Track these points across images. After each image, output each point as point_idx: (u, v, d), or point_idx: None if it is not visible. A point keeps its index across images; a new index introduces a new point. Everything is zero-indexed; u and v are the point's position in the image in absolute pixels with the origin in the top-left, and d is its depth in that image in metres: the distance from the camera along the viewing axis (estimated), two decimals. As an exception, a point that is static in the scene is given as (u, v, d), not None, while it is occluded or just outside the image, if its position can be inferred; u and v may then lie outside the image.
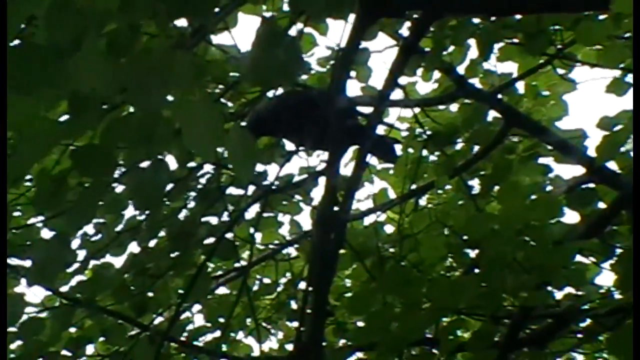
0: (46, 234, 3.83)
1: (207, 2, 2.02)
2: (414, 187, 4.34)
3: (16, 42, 1.92)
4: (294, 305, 4.69)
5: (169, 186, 3.85)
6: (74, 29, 1.88)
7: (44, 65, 1.90)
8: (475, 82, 4.31)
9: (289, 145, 3.92)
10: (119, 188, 3.38)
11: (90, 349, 4.14)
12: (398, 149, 4.14)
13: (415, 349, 3.62)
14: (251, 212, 4.24)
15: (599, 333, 3.68)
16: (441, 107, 4.50)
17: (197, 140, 2.00)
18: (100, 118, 2.13)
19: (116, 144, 2.19)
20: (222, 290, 4.58)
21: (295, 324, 4.25)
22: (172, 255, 3.81)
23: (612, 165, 3.79)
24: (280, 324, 4.85)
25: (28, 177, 3.49)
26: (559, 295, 3.36)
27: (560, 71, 4.31)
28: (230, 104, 4.23)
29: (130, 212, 3.81)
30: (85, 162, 2.22)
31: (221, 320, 4.41)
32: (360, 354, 3.97)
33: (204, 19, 2.09)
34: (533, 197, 3.61)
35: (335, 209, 3.23)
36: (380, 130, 3.78)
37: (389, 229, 4.52)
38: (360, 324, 3.40)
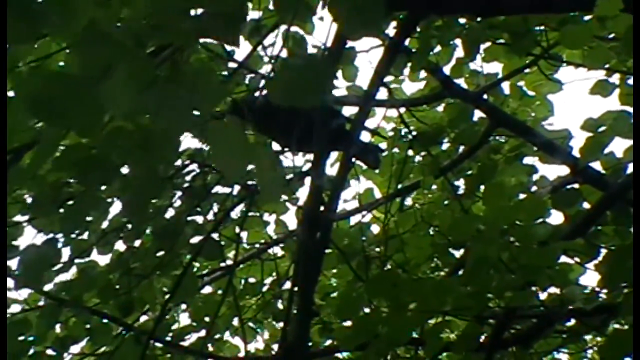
0: (30, 231, 3.82)
1: (236, 22, 2.05)
2: (399, 187, 4.35)
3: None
4: (279, 304, 4.69)
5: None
6: (105, 57, 1.90)
7: (78, 94, 1.92)
8: (461, 82, 4.32)
9: (275, 145, 3.92)
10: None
11: (75, 349, 4.14)
12: (383, 149, 4.16)
13: (401, 349, 3.63)
14: (237, 212, 4.23)
15: (583, 333, 3.70)
16: (427, 107, 4.50)
17: (227, 163, 2.06)
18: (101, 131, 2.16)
19: (114, 154, 2.21)
20: (207, 290, 4.58)
21: (281, 323, 4.24)
22: (157, 254, 3.80)
23: (597, 165, 3.80)
24: (266, 323, 4.85)
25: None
26: (543, 295, 3.36)
27: (546, 71, 4.32)
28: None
29: (115, 210, 3.81)
30: (86, 172, 2.24)
31: (207, 319, 4.40)
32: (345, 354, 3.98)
33: (234, 40, 2.11)
34: (518, 197, 3.62)
35: (321, 208, 3.23)
36: (366, 134, 3.79)
37: (375, 228, 4.53)
38: (347, 323, 3.40)
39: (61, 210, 2.48)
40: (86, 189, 2.32)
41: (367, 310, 3.17)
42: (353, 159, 3.55)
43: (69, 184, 2.49)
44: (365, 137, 3.76)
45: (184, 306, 4.44)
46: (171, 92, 2.02)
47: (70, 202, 2.43)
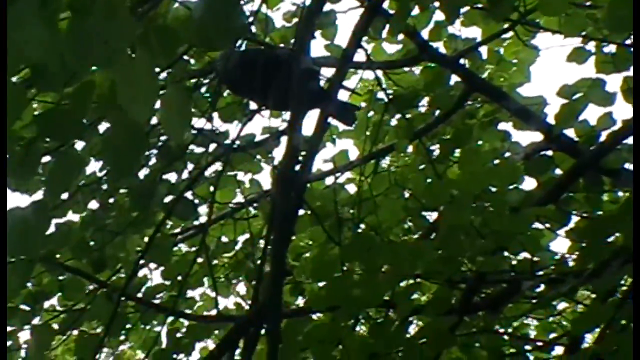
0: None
1: None
2: (374, 149, 4.35)
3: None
4: (252, 264, 4.69)
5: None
6: None
7: None
8: (439, 46, 4.31)
9: (252, 105, 3.92)
10: (79, 145, 3.36)
11: (47, 304, 4.14)
12: (360, 107, 4.16)
13: (372, 310, 3.65)
14: (211, 170, 4.23)
15: (552, 299, 3.72)
16: (404, 69, 4.49)
17: (132, 100, 1.98)
18: (63, 83, 2.10)
19: (85, 107, 2.17)
20: (180, 248, 4.58)
21: (253, 283, 4.26)
22: (131, 212, 3.80)
23: (570, 132, 3.82)
24: (238, 282, 4.86)
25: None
26: (514, 260, 3.38)
27: (523, 37, 4.32)
28: (192, 61, 4.21)
29: (90, 168, 3.80)
30: (53, 126, 2.19)
31: (179, 278, 4.41)
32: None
33: None
34: (492, 162, 3.63)
35: (296, 169, 3.23)
36: (342, 94, 3.79)
37: (350, 189, 4.53)
38: (319, 284, 3.41)
39: (40, 171, 2.45)
40: (64, 148, 2.27)
41: (339, 272, 3.18)
42: (329, 119, 3.55)
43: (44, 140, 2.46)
44: (342, 96, 3.77)
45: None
46: (80, 23, 1.96)
47: (48, 161, 2.38)
